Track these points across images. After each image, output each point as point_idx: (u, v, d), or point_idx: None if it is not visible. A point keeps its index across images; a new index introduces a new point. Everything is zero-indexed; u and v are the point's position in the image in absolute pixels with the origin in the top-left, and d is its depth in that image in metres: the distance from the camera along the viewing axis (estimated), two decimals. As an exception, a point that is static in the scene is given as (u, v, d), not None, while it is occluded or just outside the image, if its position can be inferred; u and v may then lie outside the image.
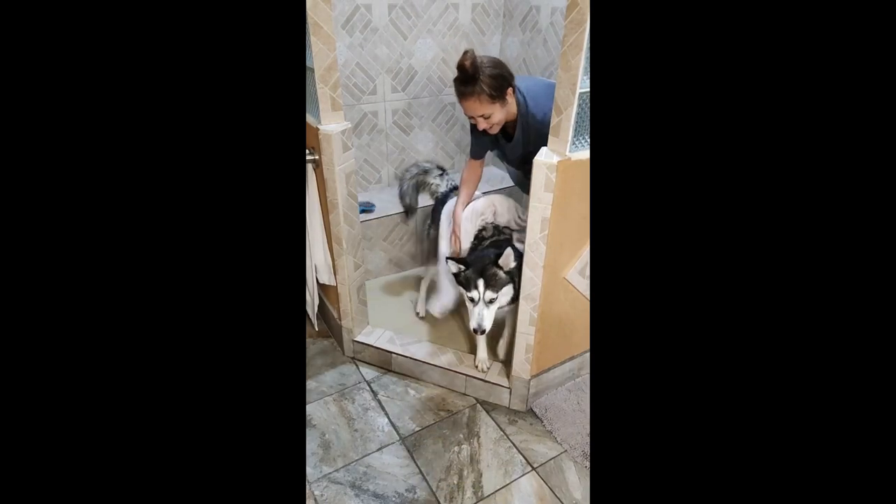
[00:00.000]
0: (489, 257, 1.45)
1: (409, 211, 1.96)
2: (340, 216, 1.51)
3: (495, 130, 1.52)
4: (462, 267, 1.46)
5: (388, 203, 2.24)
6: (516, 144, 1.58)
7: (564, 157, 1.18)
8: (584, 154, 1.20)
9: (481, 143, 1.65)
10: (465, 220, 1.64)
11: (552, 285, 1.38)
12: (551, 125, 1.19)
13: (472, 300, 1.45)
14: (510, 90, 1.44)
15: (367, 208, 2.16)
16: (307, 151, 1.46)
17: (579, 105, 1.12)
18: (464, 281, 1.46)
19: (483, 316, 1.43)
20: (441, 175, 1.90)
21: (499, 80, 1.40)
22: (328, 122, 1.40)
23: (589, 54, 1.06)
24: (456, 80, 1.42)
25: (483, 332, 1.44)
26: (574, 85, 1.09)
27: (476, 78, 1.37)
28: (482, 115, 1.44)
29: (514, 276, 1.44)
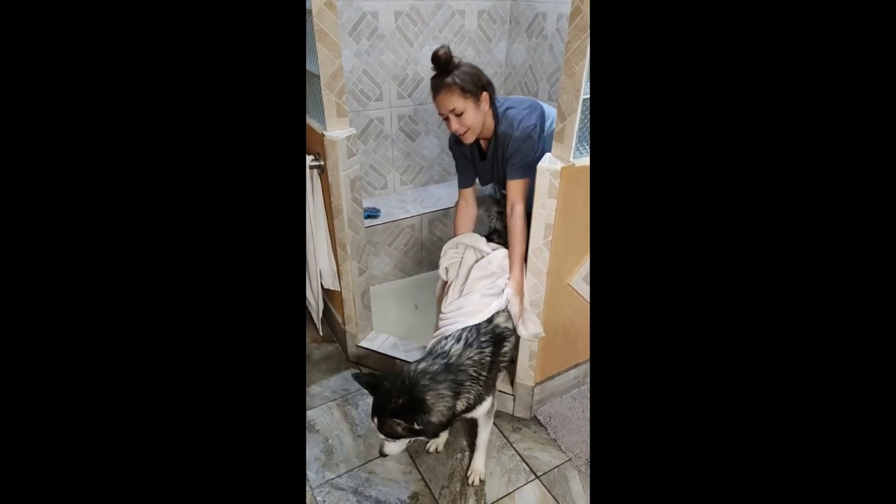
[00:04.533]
0: (398, 400, 1.06)
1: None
2: (345, 221, 1.52)
3: (469, 138, 1.43)
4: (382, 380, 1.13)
5: (393, 208, 2.25)
6: (487, 163, 1.53)
7: (568, 164, 1.17)
8: (589, 160, 1.20)
9: (462, 167, 1.60)
10: (477, 276, 1.38)
11: (556, 292, 1.37)
12: (555, 131, 1.19)
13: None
14: (486, 96, 1.39)
15: (372, 213, 2.17)
16: (312, 157, 1.47)
17: (583, 111, 1.12)
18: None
19: (383, 444, 1.14)
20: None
21: (473, 77, 1.36)
22: (333, 128, 1.41)
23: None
24: (432, 78, 1.40)
25: (384, 456, 1.16)
26: (578, 91, 1.09)
27: (448, 69, 1.36)
28: (453, 111, 1.37)
29: (428, 427, 1.08)
